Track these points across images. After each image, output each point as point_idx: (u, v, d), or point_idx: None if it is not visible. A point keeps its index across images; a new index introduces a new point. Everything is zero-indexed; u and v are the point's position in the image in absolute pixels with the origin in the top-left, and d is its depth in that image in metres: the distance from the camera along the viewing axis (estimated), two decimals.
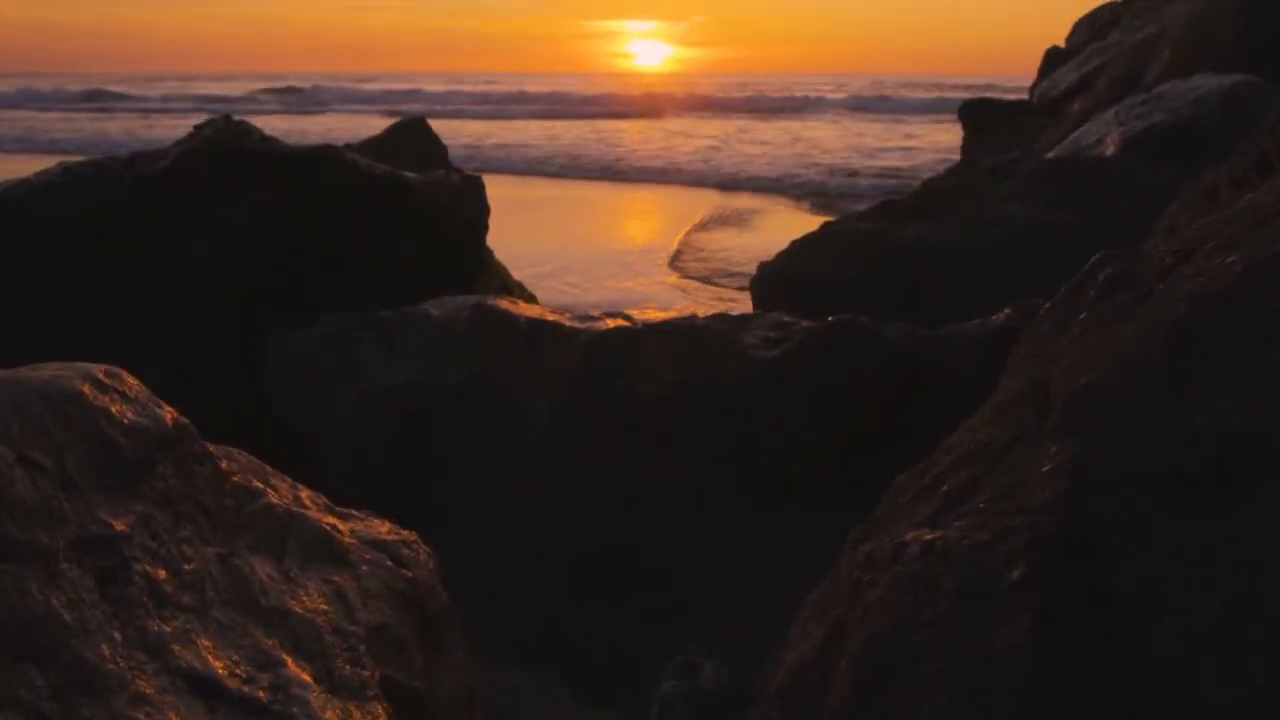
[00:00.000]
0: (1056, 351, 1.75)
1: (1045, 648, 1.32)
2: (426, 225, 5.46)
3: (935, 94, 46.64)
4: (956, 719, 1.35)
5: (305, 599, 1.77)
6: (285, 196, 5.12)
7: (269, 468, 2.01)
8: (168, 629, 1.52)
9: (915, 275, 5.35)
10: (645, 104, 42.79)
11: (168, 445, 1.71)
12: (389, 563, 2.03)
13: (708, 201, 17.12)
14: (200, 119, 5.71)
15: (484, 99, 45.79)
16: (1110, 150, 6.42)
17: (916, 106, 39.88)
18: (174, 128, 21.63)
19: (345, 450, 4.04)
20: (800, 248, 5.97)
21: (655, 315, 4.15)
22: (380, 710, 1.74)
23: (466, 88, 54.39)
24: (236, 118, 5.52)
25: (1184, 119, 6.28)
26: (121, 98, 46.19)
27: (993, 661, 1.33)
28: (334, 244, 5.16)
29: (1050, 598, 1.36)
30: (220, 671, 1.54)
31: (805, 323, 3.78)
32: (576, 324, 3.98)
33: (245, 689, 1.54)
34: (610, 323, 3.96)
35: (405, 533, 2.20)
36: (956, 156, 13.26)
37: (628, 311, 4.23)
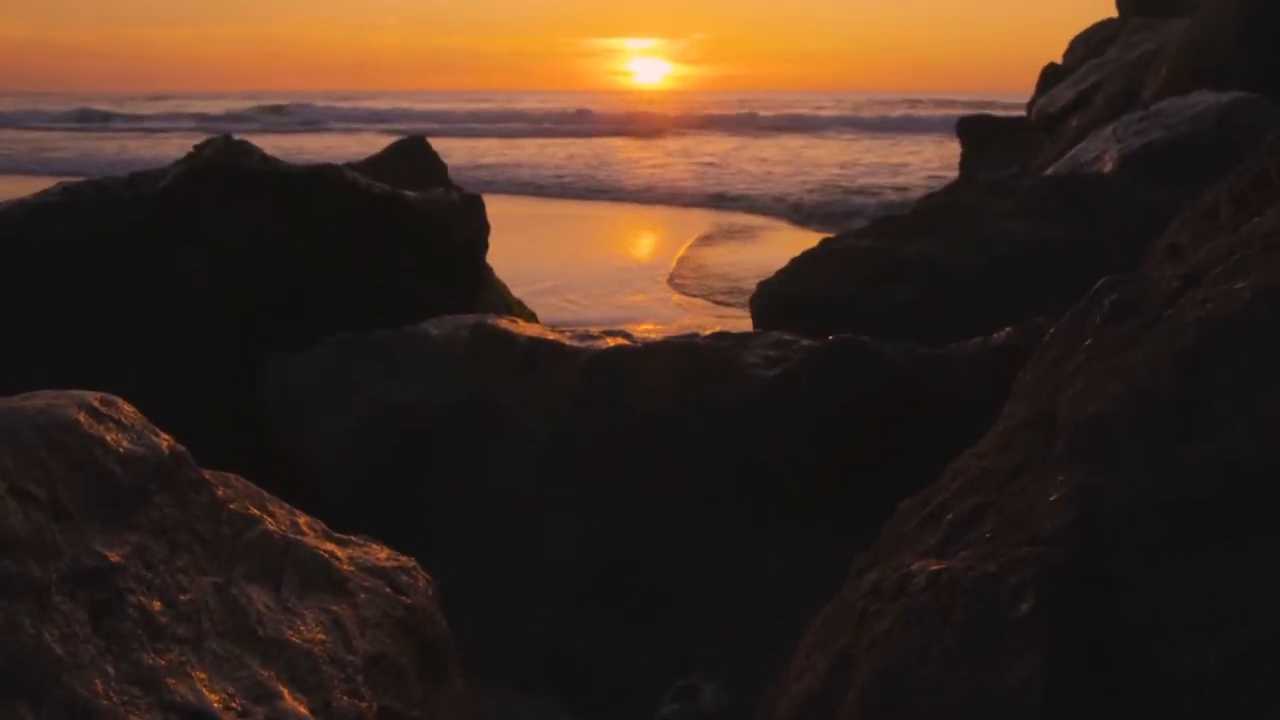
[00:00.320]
0: (1062, 378, 1.73)
1: (1054, 681, 1.30)
2: (426, 243, 5.45)
3: (934, 110, 46.80)
4: None
5: (303, 629, 1.75)
6: (285, 216, 5.12)
7: (266, 493, 1.99)
8: (162, 662, 1.49)
9: (915, 292, 5.34)
10: (644, 122, 42.92)
11: (164, 474, 1.69)
12: (387, 590, 2.01)
13: (706, 218, 17.16)
14: (200, 138, 5.71)
15: (483, 117, 45.95)
16: (1108, 167, 6.42)
17: (915, 123, 40.02)
18: (174, 147, 21.67)
19: (345, 470, 4.02)
20: (800, 265, 5.96)
21: (655, 333, 4.14)
22: None
23: (465, 106, 54.61)
24: (237, 137, 5.52)
25: (1182, 136, 6.29)
26: (121, 117, 46.34)
27: (1002, 696, 1.31)
28: (334, 263, 5.15)
29: (1058, 629, 1.34)
30: (215, 704, 1.51)
31: (805, 341, 3.77)
32: (576, 343, 3.96)
33: None
34: (610, 341, 3.94)
35: (404, 558, 2.18)
36: (955, 173, 13.29)
37: (627, 329, 4.21)
